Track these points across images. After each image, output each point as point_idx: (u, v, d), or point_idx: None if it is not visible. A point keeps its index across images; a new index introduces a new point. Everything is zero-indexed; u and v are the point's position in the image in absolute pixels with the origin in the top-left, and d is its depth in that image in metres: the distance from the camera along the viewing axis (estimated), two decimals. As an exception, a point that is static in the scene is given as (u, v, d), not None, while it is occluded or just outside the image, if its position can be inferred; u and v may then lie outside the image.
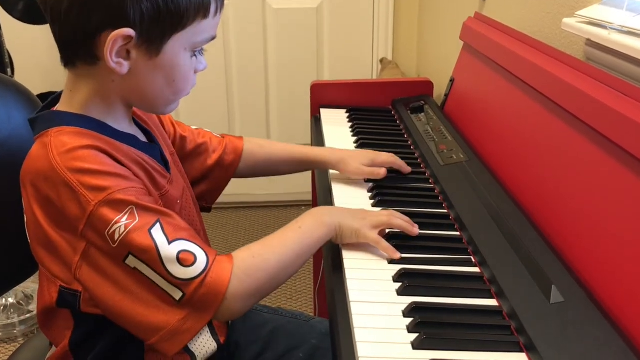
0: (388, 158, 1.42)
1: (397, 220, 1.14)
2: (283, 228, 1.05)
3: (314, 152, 1.42)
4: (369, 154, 1.42)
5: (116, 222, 0.89)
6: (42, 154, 0.93)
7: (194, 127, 1.35)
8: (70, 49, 0.96)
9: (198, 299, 0.91)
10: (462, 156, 1.46)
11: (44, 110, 1.03)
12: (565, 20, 1.42)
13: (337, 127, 1.81)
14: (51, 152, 0.92)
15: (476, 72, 1.70)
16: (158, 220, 0.92)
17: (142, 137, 1.10)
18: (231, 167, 1.35)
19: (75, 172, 0.90)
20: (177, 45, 0.95)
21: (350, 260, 1.10)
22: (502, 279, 1.02)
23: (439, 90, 2.02)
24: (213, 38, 1.00)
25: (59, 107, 1.02)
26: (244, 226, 3.08)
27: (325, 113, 1.92)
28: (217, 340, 1.16)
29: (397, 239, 1.15)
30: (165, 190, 1.07)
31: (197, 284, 0.90)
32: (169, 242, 0.91)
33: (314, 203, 1.98)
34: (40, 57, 2.83)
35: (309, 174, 1.96)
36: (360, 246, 1.14)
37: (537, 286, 0.98)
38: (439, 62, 2.58)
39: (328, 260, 1.15)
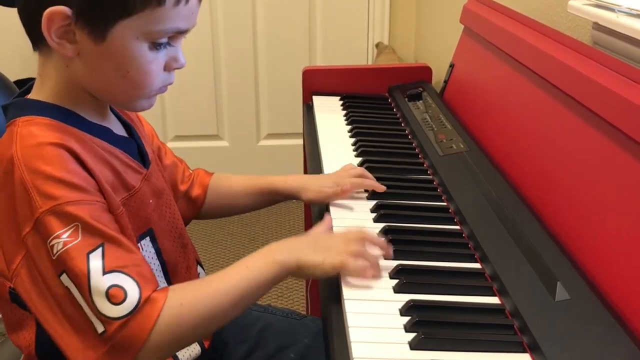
0: (354, 182, 1.31)
1: (356, 262, 1.03)
2: (229, 267, 1.00)
3: (274, 181, 1.36)
4: (332, 177, 1.33)
5: (57, 237, 0.89)
6: (7, 144, 0.93)
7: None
8: (28, 30, 0.97)
9: (118, 340, 0.89)
10: (462, 146, 1.46)
11: (20, 97, 1.02)
12: (571, 2, 1.42)
13: (330, 115, 1.80)
14: (15, 144, 0.92)
15: (477, 57, 1.69)
16: (101, 245, 0.90)
17: (120, 130, 1.10)
18: (197, 201, 1.33)
19: (32, 172, 0.90)
20: (126, 33, 0.93)
21: (345, 255, 1.09)
22: (505, 275, 1.02)
23: (438, 76, 2.02)
24: (182, 31, 0.98)
25: (31, 94, 1.02)
26: (232, 220, 3.07)
27: (317, 100, 1.91)
28: (201, 345, 1.16)
29: (394, 233, 1.15)
30: (135, 189, 1.06)
31: (119, 325, 0.88)
32: (104, 273, 0.89)
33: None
34: (18, 42, 2.81)
35: (299, 163, 1.96)
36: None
37: (541, 283, 0.98)
38: (437, 47, 2.57)
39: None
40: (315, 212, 1.32)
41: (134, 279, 0.90)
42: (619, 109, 1.01)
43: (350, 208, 1.27)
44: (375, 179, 1.33)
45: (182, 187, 1.32)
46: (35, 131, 0.93)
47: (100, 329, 0.89)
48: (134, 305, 0.89)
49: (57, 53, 0.96)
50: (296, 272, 1.01)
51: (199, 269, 1.24)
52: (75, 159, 0.94)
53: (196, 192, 1.33)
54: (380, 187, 1.31)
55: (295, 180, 1.35)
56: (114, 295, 0.88)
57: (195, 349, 1.14)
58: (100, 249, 0.90)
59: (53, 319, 0.91)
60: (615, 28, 1.25)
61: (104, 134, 1.03)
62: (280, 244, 1.04)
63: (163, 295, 0.92)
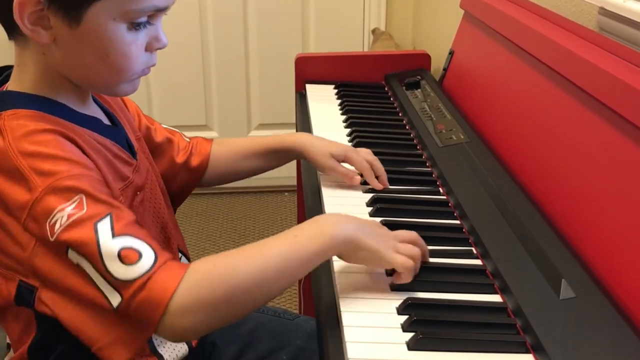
0: (362, 162, 1.30)
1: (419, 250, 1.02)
2: (278, 234, 0.96)
3: (277, 139, 1.35)
4: (346, 147, 1.33)
5: (60, 211, 0.87)
6: None
7: (164, 126, 1.33)
8: (1, 18, 0.96)
9: (136, 306, 0.85)
10: (462, 136, 1.46)
11: None
12: (577, -14, 1.41)
13: (324, 104, 1.80)
14: (5, 137, 0.91)
15: (478, 43, 1.69)
16: (109, 214, 0.88)
17: (105, 120, 1.10)
18: (198, 170, 1.33)
19: (28, 156, 0.89)
20: (102, 15, 0.93)
21: (339, 251, 1.09)
22: (507, 272, 1.02)
23: (437, 63, 2.02)
24: (160, 9, 0.97)
25: (10, 85, 1.01)
26: (222, 214, 3.07)
27: (311, 89, 1.91)
28: (188, 344, 1.15)
29: (391, 228, 1.14)
30: (130, 180, 1.06)
31: (138, 286, 0.84)
32: (113, 236, 0.87)
33: (299, 188, 1.98)
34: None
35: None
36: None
37: (544, 280, 0.98)
38: (437, 33, 2.57)
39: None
40: (309, 203, 1.31)
41: (148, 244, 0.88)
42: (627, 97, 1.01)
43: (344, 202, 1.27)
44: (384, 176, 1.32)
45: (180, 159, 1.31)
46: (24, 122, 0.93)
47: (116, 301, 0.85)
48: (150, 264, 0.85)
49: (33, 40, 0.95)
50: (350, 252, 0.97)
51: (185, 261, 1.24)
52: (72, 143, 0.93)
53: (196, 161, 1.32)
54: (379, 185, 1.30)
55: (304, 137, 1.35)
56: (127, 256, 0.85)
57: (182, 348, 1.14)
58: (108, 218, 0.87)
59: (67, 305, 0.89)
60: (622, 13, 1.25)
61: (93, 124, 1.03)
62: (335, 217, 0.99)
63: (184, 264, 0.88)
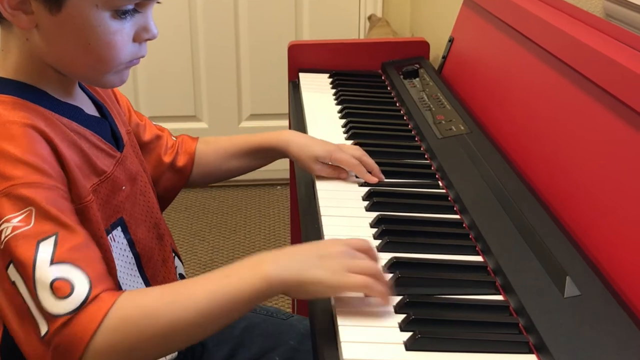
0: (349, 160, 1.30)
1: (384, 277, 0.96)
2: (206, 274, 0.93)
3: (262, 137, 1.35)
4: (330, 145, 1.32)
5: (6, 221, 0.87)
6: None
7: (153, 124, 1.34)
8: None
9: (58, 342, 0.86)
10: (462, 127, 1.46)
11: None
12: (582, -30, 1.41)
13: (318, 94, 1.80)
14: None
15: (479, 30, 1.69)
16: (55, 234, 0.88)
17: (91, 110, 1.09)
18: (184, 170, 1.33)
19: None
20: (83, 1, 0.93)
21: (334, 247, 1.09)
22: (509, 269, 1.02)
23: (436, 51, 2.02)
24: None
25: None
26: (211, 208, 3.07)
27: (304, 78, 1.91)
28: None
29: (387, 222, 1.15)
30: (106, 174, 1.05)
31: (61, 323, 0.85)
32: (52, 263, 0.86)
33: (292, 181, 1.98)
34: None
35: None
36: (345, 229, 1.14)
37: (548, 277, 0.98)
38: (436, 20, 2.57)
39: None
40: (302, 197, 1.31)
41: (85, 274, 0.88)
42: (634, 86, 1.01)
43: (339, 196, 1.27)
44: (377, 169, 1.31)
45: (167, 159, 1.31)
46: (1, 110, 0.93)
47: (43, 329, 0.86)
48: (80, 302, 0.86)
49: (14, 25, 0.95)
50: (295, 290, 0.92)
51: (177, 261, 1.24)
52: (45, 139, 0.93)
53: (182, 161, 1.33)
54: (373, 179, 1.30)
55: (288, 135, 1.34)
56: (59, 289, 0.86)
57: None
58: (53, 238, 0.88)
59: (8, 313, 0.89)
60: (629, -1, 1.25)
61: (74, 113, 1.03)
62: (273, 255, 0.94)
63: (114, 295, 0.88)
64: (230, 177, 1.40)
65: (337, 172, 1.31)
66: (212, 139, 1.37)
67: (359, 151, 1.32)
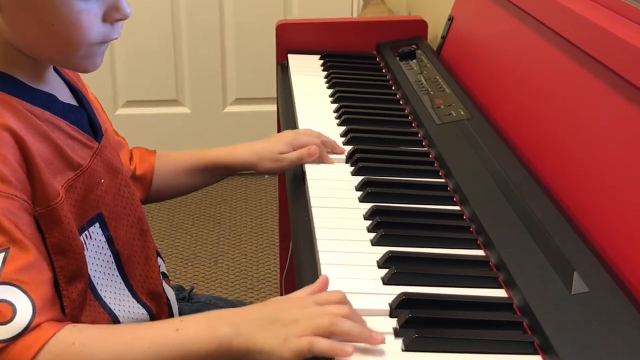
0: (312, 140, 1.35)
1: (344, 323, 0.88)
2: (155, 322, 0.93)
3: (221, 155, 1.38)
4: (286, 136, 1.38)
5: None
6: None
7: None
8: None
9: None
10: (462, 112, 1.46)
11: None
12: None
13: (308, 76, 1.80)
14: None
15: (480, 8, 1.70)
16: (5, 250, 0.88)
17: (66, 97, 1.09)
18: (144, 179, 1.34)
19: None
20: None
21: (326, 241, 1.09)
22: (513, 264, 1.02)
23: (435, 31, 2.02)
24: None
25: None
26: (194, 199, 3.06)
27: (294, 60, 1.91)
28: None
29: (382, 214, 1.15)
30: (83, 168, 1.05)
31: None
32: None
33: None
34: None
35: (272, 133, 1.94)
36: (337, 221, 1.14)
37: (555, 273, 0.98)
38: (434, -3, 2.56)
39: (297, 240, 1.14)
40: (291, 187, 1.31)
41: (30, 299, 0.88)
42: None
43: (330, 186, 1.27)
44: (335, 143, 1.37)
45: (131, 167, 1.32)
46: None
47: None
48: (20, 329, 0.86)
49: None
50: (244, 356, 0.88)
51: (159, 261, 1.23)
52: (12, 138, 0.93)
53: (140, 171, 1.34)
54: (331, 160, 1.35)
55: (245, 150, 1.37)
56: (0, 312, 0.85)
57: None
58: (2, 254, 0.87)
59: None
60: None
61: (47, 102, 1.02)
62: (228, 313, 0.93)
63: (56, 327, 0.88)
64: (184, 193, 1.45)
65: (305, 154, 1.33)
66: (166, 153, 1.39)
67: (315, 132, 1.37)
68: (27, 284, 0.88)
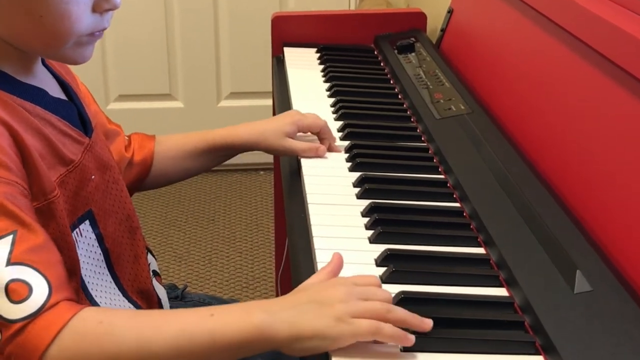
0: (317, 121, 1.37)
1: (398, 310, 0.88)
2: (191, 308, 0.92)
3: (225, 135, 1.38)
4: (293, 116, 1.38)
5: None
6: None
7: None
8: None
9: (10, 351, 0.85)
10: (462, 107, 1.46)
11: None
12: None
13: (305, 70, 1.80)
14: None
15: (480, 0, 1.69)
16: (14, 232, 0.88)
17: (56, 91, 1.09)
18: (143, 168, 1.34)
19: None
20: None
21: (323, 238, 1.09)
22: (514, 262, 1.02)
23: (434, 23, 2.02)
24: None
25: None
26: (188, 196, 3.06)
27: (290, 53, 1.91)
28: None
29: (381, 211, 1.15)
30: (75, 163, 1.05)
31: (15, 330, 0.84)
32: (8, 263, 0.86)
33: (276, 165, 1.97)
34: None
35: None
36: (334, 218, 1.14)
37: (557, 271, 0.97)
38: (433, -11, 2.56)
39: (294, 237, 1.14)
40: (287, 183, 1.30)
41: (45, 277, 0.87)
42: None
43: (327, 182, 1.27)
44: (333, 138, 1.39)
45: (128, 154, 1.32)
46: None
47: None
48: (38, 306, 0.85)
49: None
50: (288, 344, 0.86)
51: (150, 258, 1.23)
52: (7, 129, 0.93)
53: (139, 157, 1.33)
54: (338, 149, 1.37)
55: (248, 129, 1.37)
56: (15, 291, 0.85)
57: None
58: (11, 236, 0.87)
59: None
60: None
61: (37, 96, 1.02)
62: (263, 302, 0.91)
63: (76, 307, 0.87)
64: (186, 177, 1.44)
65: (313, 150, 1.34)
66: (165, 138, 1.39)
67: (322, 121, 1.38)
68: (39, 263, 0.88)
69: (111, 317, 0.88)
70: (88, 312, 0.87)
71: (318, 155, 1.34)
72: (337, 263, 0.96)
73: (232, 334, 0.86)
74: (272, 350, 0.88)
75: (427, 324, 0.87)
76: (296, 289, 0.93)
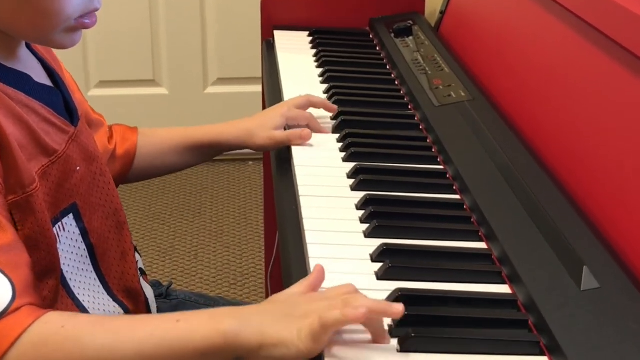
0: (303, 114, 1.40)
1: (357, 298, 0.88)
2: (153, 315, 0.94)
3: (211, 132, 1.40)
4: (279, 109, 1.40)
5: None
6: None
7: None
8: None
9: None
10: (463, 93, 1.46)
11: None
12: None
13: (296, 55, 1.80)
14: None
15: (482, -19, 1.69)
16: None
17: (42, 77, 1.09)
18: (126, 161, 1.35)
19: None
20: None
21: (315, 232, 1.10)
22: (517, 257, 1.02)
23: (433, 5, 2.02)
24: None
25: None
26: (173, 187, 3.06)
27: (280, 36, 1.91)
28: None
29: (376, 204, 1.15)
30: (58, 154, 1.05)
31: None
32: None
33: (265, 156, 1.97)
34: None
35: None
36: (327, 211, 1.14)
37: (563, 267, 0.97)
38: (432, -31, 2.56)
39: (284, 231, 1.14)
40: (277, 174, 1.31)
41: (9, 280, 0.88)
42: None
43: (320, 173, 1.27)
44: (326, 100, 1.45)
45: (111, 146, 1.33)
46: None
47: None
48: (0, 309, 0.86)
49: None
50: (256, 352, 0.86)
51: (137, 256, 1.23)
52: None
53: (122, 150, 1.34)
54: (333, 107, 1.43)
55: (235, 128, 1.40)
56: None
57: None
58: None
59: None
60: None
61: (21, 82, 1.02)
62: (232, 309, 0.91)
63: (38, 312, 0.88)
64: (168, 173, 1.47)
65: (297, 136, 1.35)
66: (150, 131, 1.40)
67: (303, 98, 1.41)
68: (4, 264, 0.88)
69: (75, 322, 0.89)
70: (51, 316, 0.88)
71: (303, 138, 1.34)
72: (318, 276, 0.94)
73: (200, 340, 0.86)
74: (239, 358, 0.88)
75: (397, 308, 0.86)
76: (272, 298, 0.93)
